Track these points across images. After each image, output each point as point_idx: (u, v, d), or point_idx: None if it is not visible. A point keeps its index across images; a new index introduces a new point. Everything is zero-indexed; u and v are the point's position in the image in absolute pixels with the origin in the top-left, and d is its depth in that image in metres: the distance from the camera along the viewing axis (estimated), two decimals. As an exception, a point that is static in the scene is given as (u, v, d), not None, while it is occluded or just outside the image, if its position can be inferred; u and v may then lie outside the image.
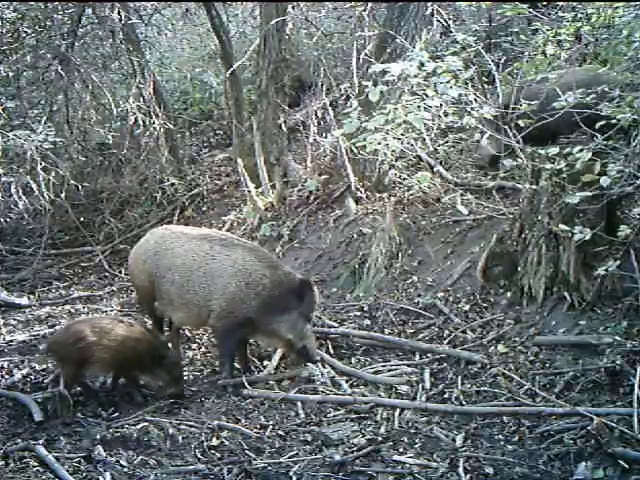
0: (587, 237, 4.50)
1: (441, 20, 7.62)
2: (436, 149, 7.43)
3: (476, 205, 6.55)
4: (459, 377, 4.99)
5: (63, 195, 8.31)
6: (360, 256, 6.84)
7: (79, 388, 5.08)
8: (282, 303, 5.14)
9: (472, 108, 5.46)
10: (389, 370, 5.24)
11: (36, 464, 4.12)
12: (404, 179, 7.40)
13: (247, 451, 4.29)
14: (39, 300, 7.65)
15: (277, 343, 5.36)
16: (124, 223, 9.18)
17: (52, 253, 8.99)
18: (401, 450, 4.17)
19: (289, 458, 4.19)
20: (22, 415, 4.77)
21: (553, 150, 4.89)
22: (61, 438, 4.43)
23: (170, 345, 5.01)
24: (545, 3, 8.10)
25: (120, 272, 8.32)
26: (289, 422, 4.66)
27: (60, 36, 9.03)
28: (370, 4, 8.04)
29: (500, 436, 4.25)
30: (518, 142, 5.44)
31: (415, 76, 5.21)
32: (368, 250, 6.76)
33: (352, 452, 4.17)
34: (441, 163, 7.43)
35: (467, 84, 5.37)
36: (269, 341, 5.43)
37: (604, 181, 4.38)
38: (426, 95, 5.27)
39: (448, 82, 5.13)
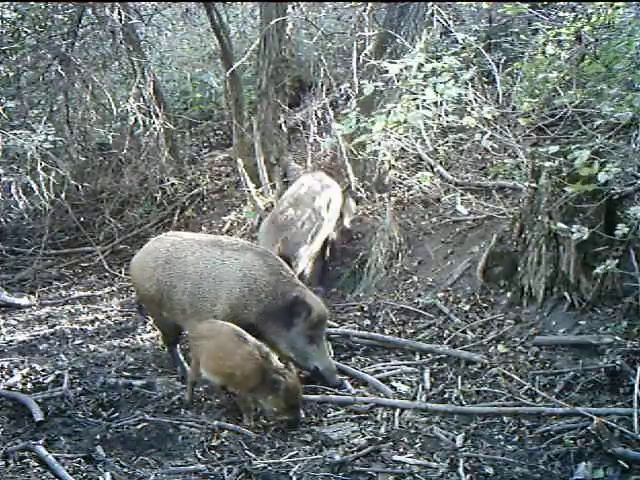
0: (585, 236, 4.49)
1: (441, 20, 7.62)
2: (436, 149, 7.43)
3: (476, 205, 6.55)
4: (459, 377, 4.99)
5: (63, 195, 8.30)
6: (360, 256, 6.84)
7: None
8: (281, 316, 5.01)
9: (472, 108, 5.47)
10: (389, 370, 5.24)
11: (36, 464, 4.09)
12: (404, 179, 7.40)
13: (247, 451, 4.28)
14: (39, 300, 7.63)
15: (281, 357, 5.08)
16: (124, 223, 9.17)
17: (52, 253, 8.98)
18: (401, 450, 4.17)
19: (289, 458, 4.19)
20: (22, 415, 4.74)
21: (553, 148, 4.89)
22: (61, 438, 4.41)
23: (286, 370, 4.61)
24: (545, 3, 8.09)
25: (120, 272, 8.31)
26: (289, 422, 4.66)
27: (60, 36, 9.01)
28: (370, 4, 8.04)
29: (500, 436, 4.25)
30: (518, 142, 5.45)
31: (415, 77, 5.22)
32: (368, 250, 6.76)
33: (352, 452, 4.16)
34: (441, 163, 7.43)
35: (467, 84, 5.38)
36: (274, 352, 5.16)
37: (602, 176, 4.36)
38: (424, 94, 5.27)
39: (446, 82, 5.12)
